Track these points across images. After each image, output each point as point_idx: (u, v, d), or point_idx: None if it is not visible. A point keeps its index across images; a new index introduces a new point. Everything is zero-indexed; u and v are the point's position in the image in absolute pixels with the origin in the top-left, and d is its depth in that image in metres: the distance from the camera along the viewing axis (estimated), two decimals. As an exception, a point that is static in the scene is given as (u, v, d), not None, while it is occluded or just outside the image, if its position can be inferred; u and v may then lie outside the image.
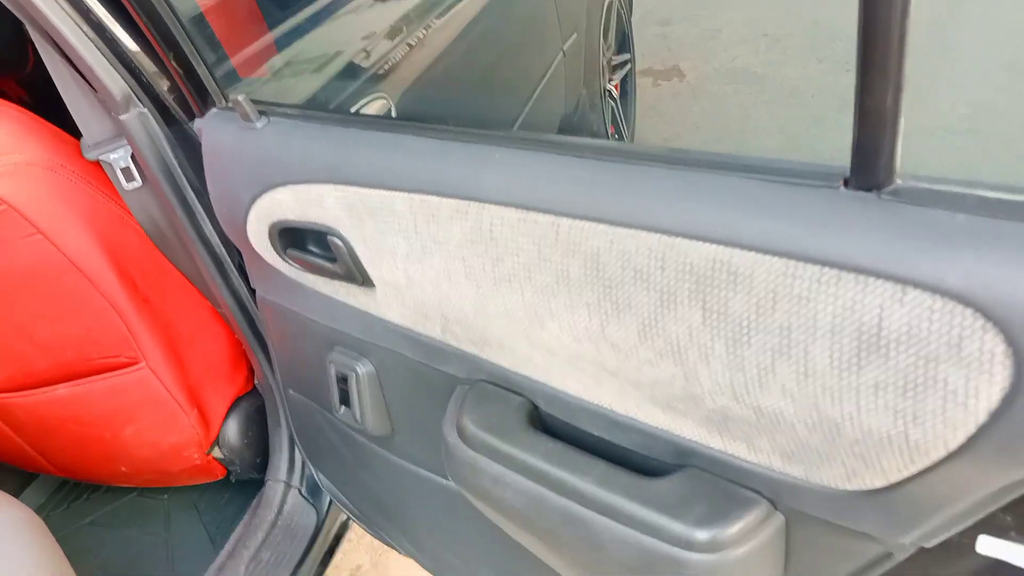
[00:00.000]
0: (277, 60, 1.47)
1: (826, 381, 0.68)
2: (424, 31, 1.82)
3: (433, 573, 1.44)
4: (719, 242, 0.69)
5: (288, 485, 1.65)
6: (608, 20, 2.88)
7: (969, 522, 0.73)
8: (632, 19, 3.25)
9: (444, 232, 0.89)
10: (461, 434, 1.01)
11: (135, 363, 1.46)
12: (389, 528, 1.46)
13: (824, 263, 0.65)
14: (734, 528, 0.83)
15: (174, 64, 1.10)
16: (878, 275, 0.62)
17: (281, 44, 1.54)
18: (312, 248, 1.11)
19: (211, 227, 1.36)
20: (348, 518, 1.70)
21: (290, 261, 1.13)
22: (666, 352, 0.78)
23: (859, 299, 0.63)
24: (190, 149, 1.30)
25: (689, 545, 0.83)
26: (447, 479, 1.22)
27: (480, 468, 0.99)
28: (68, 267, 1.32)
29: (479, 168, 0.85)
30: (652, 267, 0.74)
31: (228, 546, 1.57)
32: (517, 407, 1.00)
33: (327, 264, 1.08)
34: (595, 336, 0.82)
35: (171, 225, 1.37)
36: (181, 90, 1.24)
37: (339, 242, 1.02)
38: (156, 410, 1.53)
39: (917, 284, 0.60)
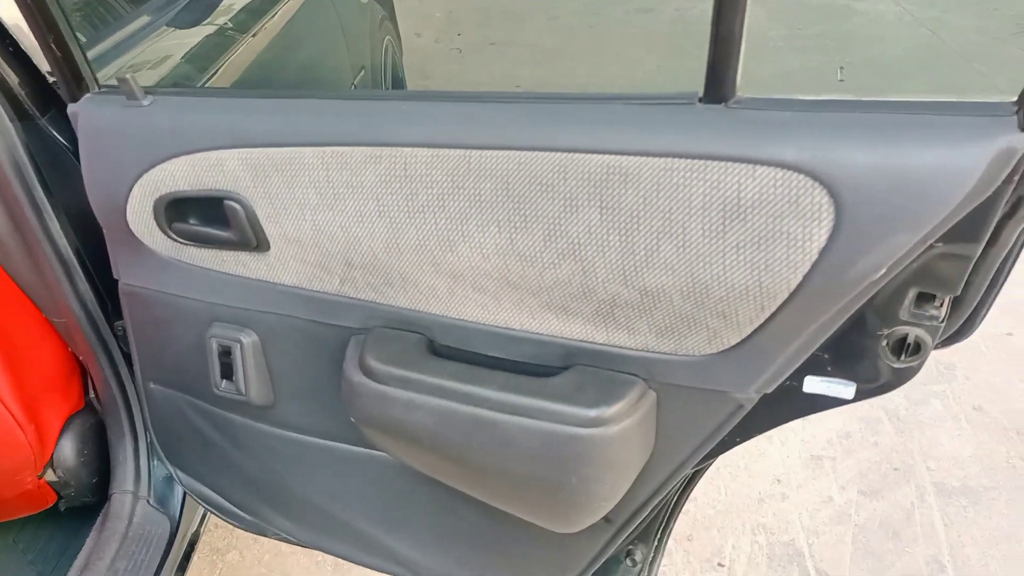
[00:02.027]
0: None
1: (700, 249, 0.89)
2: (222, 64, 1.92)
3: (310, 545, 1.49)
4: (611, 152, 0.89)
5: (136, 496, 1.62)
6: (386, 64, 3.09)
7: (797, 364, 0.96)
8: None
9: (357, 177, 1.02)
10: (366, 372, 1.12)
11: (-31, 375, 1.40)
12: (262, 510, 1.50)
13: (693, 157, 0.86)
14: (618, 405, 1.01)
15: (54, 47, 1.14)
16: (735, 160, 0.84)
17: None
18: (197, 220, 1.18)
19: (59, 228, 1.36)
20: (202, 522, 1.69)
21: (174, 236, 1.19)
22: (567, 252, 0.96)
23: (722, 179, 0.85)
24: (40, 145, 1.31)
25: (583, 422, 1.01)
26: (335, 440, 1.31)
27: (390, 398, 1.11)
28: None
29: (391, 119, 1.00)
30: (556, 179, 0.92)
31: (80, 560, 1.52)
32: (416, 342, 1.13)
33: (218, 232, 1.15)
34: (503, 250, 0.99)
35: (14, 228, 1.36)
36: (33, 83, 1.27)
37: (237, 205, 1.10)
38: (-9, 426, 1.47)
39: (764, 163, 0.83)
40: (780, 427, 2.43)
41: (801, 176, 0.82)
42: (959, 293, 0.89)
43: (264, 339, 1.25)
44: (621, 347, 1.03)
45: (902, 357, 0.93)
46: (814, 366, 0.98)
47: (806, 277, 0.86)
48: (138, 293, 1.32)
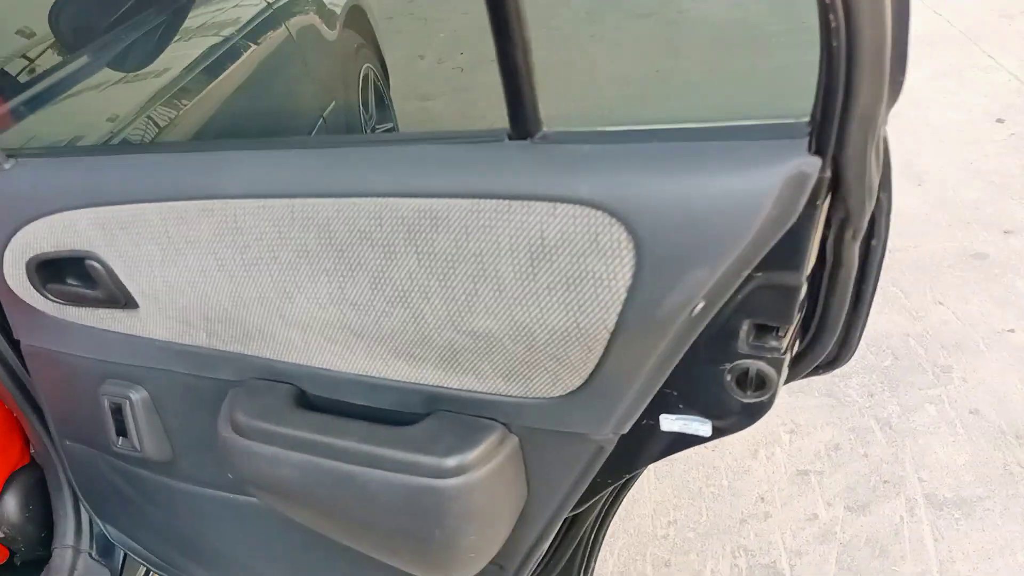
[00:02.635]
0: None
1: (514, 292, 0.85)
2: (176, 105, 1.91)
3: None
4: (422, 195, 0.86)
5: (77, 550, 1.63)
6: (366, 91, 3.09)
7: (646, 403, 0.91)
8: (392, 93, 3.48)
9: (194, 231, 1.00)
10: (235, 426, 1.10)
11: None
12: (187, 565, 1.49)
13: (498, 196, 0.82)
14: (475, 452, 0.97)
15: None
16: (536, 198, 0.80)
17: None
18: (71, 279, 1.17)
19: None
20: (147, 572, 1.69)
21: (51, 296, 1.19)
22: (396, 299, 0.92)
23: (525, 220, 0.81)
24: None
25: (440, 472, 0.97)
26: (235, 492, 1.29)
27: (256, 453, 1.08)
28: None
29: (220, 170, 0.98)
30: (372, 226, 0.89)
31: (19, 621, 1.52)
32: (285, 393, 1.10)
33: (88, 292, 1.15)
34: (336, 299, 0.96)
35: None
36: None
37: (96, 264, 1.09)
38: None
39: (562, 200, 0.79)
40: (763, 442, 2.35)
41: (598, 212, 0.78)
42: (793, 323, 0.83)
43: (154, 394, 1.24)
44: (475, 392, 0.99)
45: (748, 392, 0.87)
46: (666, 404, 0.93)
47: (621, 316, 0.82)
48: (37, 353, 1.32)
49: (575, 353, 0.87)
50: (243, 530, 1.34)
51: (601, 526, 1.26)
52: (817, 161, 0.71)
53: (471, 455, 0.97)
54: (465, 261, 0.86)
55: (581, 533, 1.22)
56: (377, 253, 0.90)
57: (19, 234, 1.13)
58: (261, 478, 1.10)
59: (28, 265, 1.16)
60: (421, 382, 1.01)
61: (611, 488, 1.05)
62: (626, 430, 0.94)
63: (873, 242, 0.84)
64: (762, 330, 0.85)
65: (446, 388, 1.00)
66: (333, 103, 2.71)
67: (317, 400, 1.11)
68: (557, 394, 0.93)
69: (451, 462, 0.97)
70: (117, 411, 1.26)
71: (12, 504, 1.63)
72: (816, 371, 0.96)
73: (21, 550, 1.70)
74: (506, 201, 0.82)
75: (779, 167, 0.71)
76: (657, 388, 0.90)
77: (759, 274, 0.79)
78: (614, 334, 0.83)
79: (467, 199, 0.83)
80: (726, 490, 2.29)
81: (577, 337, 0.85)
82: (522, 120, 0.82)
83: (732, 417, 0.91)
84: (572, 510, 1.06)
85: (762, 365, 0.85)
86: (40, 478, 1.68)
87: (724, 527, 2.17)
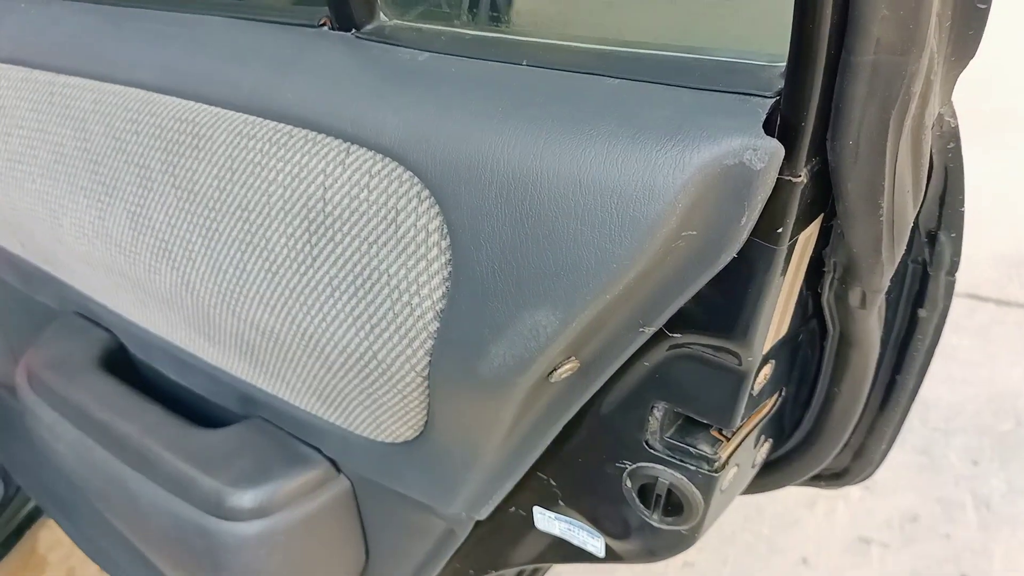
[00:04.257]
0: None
1: (289, 280, 0.52)
2: None
3: (79, 547, 1.23)
4: (185, 95, 0.53)
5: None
6: None
7: (507, 485, 0.57)
8: None
9: (-39, 103, 0.71)
10: (28, 374, 0.83)
11: None
12: (42, 496, 1.25)
13: (278, 118, 0.49)
14: (279, 488, 0.66)
15: None
16: (327, 132, 0.47)
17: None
18: None
19: None
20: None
21: None
22: (159, 251, 0.60)
23: (307, 163, 0.48)
24: None
25: (220, 510, 0.66)
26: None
27: (38, 416, 0.81)
28: None
29: None
30: (129, 133, 0.57)
31: None
32: (94, 343, 0.82)
33: None
34: (100, 232, 0.65)
35: None
36: None
37: None
38: None
39: (358, 140, 0.45)
40: (824, 492, 1.89)
41: (404, 172, 0.43)
42: (735, 425, 0.46)
43: (-5, 305, 0.99)
44: (294, 405, 0.67)
45: (654, 512, 0.52)
46: (542, 495, 0.58)
47: (435, 356, 0.47)
48: None
49: (386, 394, 0.53)
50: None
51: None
52: (775, 149, 0.34)
53: (277, 490, 0.66)
54: (229, 215, 0.53)
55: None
56: (132, 176, 0.58)
57: None
58: (45, 447, 0.83)
59: None
60: (232, 372, 0.70)
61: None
62: (482, 515, 0.60)
63: (922, 311, 0.46)
64: (690, 425, 0.49)
65: (262, 391, 0.69)
66: None
67: (136, 362, 0.81)
68: (384, 439, 0.60)
69: (241, 499, 0.66)
70: (-47, 316, 1.02)
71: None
72: (815, 483, 0.60)
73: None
74: (287, 128, 0.48)
75: (701, 148, 0.34)
76: (523, 470, 0.55)
77: (680, 336, 0.43)
78: (432, 380, 0.49)
79: (240, 113, 0.50)
80: (764, 541, 1.89)
81: (380, 372, 0.51)
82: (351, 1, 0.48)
83: (636, 540, 0.56)
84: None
85: (678, 478, 0.49)
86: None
87: (749, 586, 1.79)
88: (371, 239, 0.45)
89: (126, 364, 0.82)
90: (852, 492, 2.04)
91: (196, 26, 0.56)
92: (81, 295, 0.82)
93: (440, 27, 0.47)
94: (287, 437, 0.69)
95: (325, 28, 0.51)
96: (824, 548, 1.91)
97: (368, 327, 0.48)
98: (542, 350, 0.42)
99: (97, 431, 0.75)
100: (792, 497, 2.00)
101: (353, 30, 0.49)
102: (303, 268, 0.50)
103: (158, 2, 0.60)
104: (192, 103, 0.53)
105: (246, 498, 0.65)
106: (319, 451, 0.68)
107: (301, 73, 0.49)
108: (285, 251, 0.50)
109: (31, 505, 1.47)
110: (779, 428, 0.54)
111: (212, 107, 0.52)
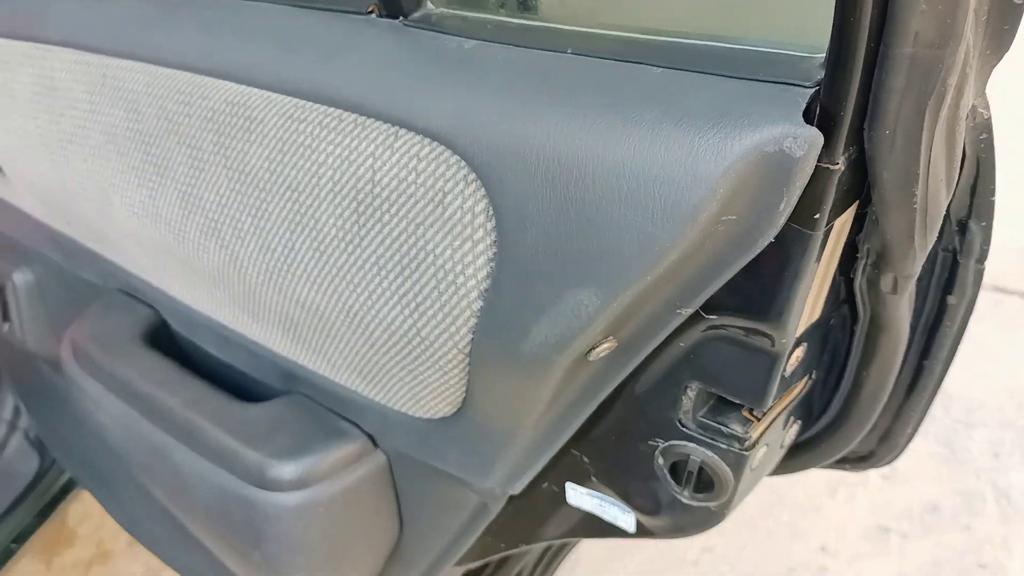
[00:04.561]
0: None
1: (336, 259, 0.54)
2: None
3: (115, 519, 1.26)
4: (237, 79, 0.55)
5: (13, 426, 1.47)
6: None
7: (542, 460, 0.59)
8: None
9: (17, 82, 0.73)
10: (74, 348, 0.85)
11: None
12: (79, 468, 1.28)
13: (328, 102, 0.50)
14: (320, 462, 0.68)
15: None
16: (376, 116, 0.48)
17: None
18: None
19: None
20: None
21: None
22: (208, 230, 0.63)
23: (357, 146, 0.49)
24: None
25: (263, 481, 0.68)
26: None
27: (84, 388, 0.83)
28: None
29: (43, 5, 0.70)
30: (181, 115, 0.59)
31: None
32: (138, 319, 0.84)
33: None
34: (150, 212, 0.67)
35: None
36: None
37: None
38: None
39: (407, 124, 0.47)
40: (846, 479, 1.90)
41: (452, 156, 0.45)
42: (767, 405, 0.48)
43: (40, 279, 1.02)
44: (333, 381, 0.69)
45: (685, 489, 0.53)
46: (575, 471, 0.60)
47: (477, 335, 0.49)
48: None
49: (428, 371, 0.55)
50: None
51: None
52: (814, 137, 0.35)
53: (314, 466, 0.68)
54: (279, 196, 0.55)
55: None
56: (184, 157, 0.61)
57: None
58: (91, 420, 0.86)
59: None
60: (274, 349, 0.72)
61: (509, 552, 0.73)
62: (516, 490, 0.62)
63: (951, 298, 0.47)
64: (722, 405, 0.51)
65: (302, 367, 0.71)
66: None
67: (179, 338, 0.84)
68: (423, 415, 0.62)
69: (283, 471, 0.68)
70: (1, 291, 1.05)
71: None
72: (840, 465, 0.62)
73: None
74: (337, 112, 0.50)
75: (742, 136, 0.36)
76: (558, 446, 0.57)
77: (715, 317, 0.44)
78: (473, 357, 0.51)
79: (290, 97, 0.52)
80: (784, 527, 1.90)
81: (422, 349, 0.53)
82: None
83: (666, 516, 0.57)
84: (460, 563, 0.75)
85: (709, 456, 0.51)
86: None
87: (768, 571, 1.80)
88: (418, 220, 0.47)
89: (168, 340, 0.84)
90: (873, 481, 2.05)
91: (247, 13, 0.58)
92: (126, 273, 0.84)
93: (486, 16, 0.49)
94: (326, 412, 0.71)
95: (373, 15, 0.52)
96: (843, 536, 1.92)
97: (413, 305, 0.50)
98: (583, 330, 0.43)
99: (142, 404, 0.77)
100: (813, 485, 2.01)
101: (401, 18, 0.51)
102: (350, 247, 0.52)
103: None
104: (243, 87, 0.55)
105: (287, 470, 0.68)
106: (357, 426, 0.70)
107: (350, 59, 0.51)
108: (333, 231, 0.52)
109: (64, 478, 1.51)
110: (808, 410, 0.56)
111: (263, 91, 0.54)
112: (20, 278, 1.02)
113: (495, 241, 0.44)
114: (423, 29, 0.50)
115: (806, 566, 1.87)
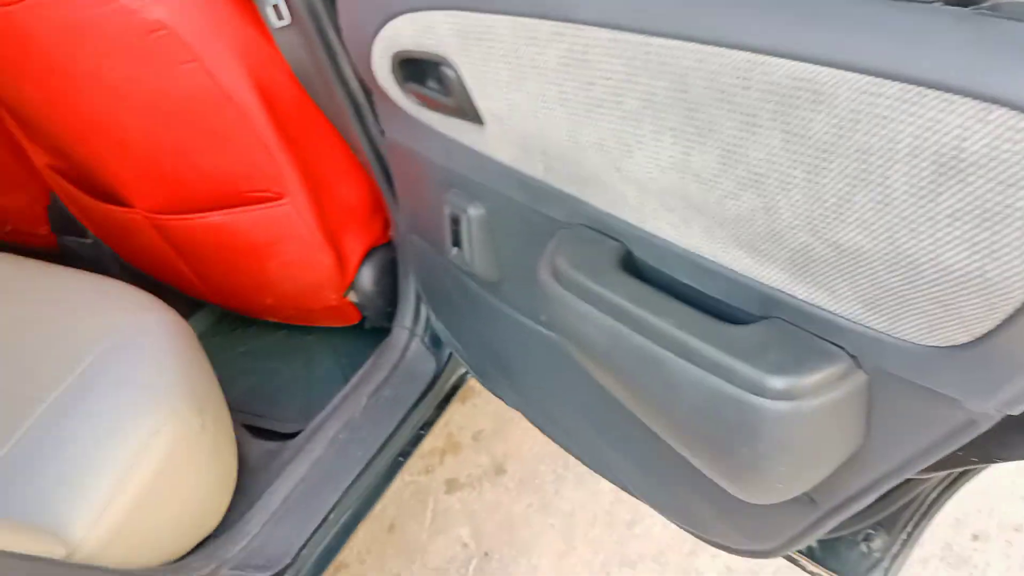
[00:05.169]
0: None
1: (903, 210, 0.63)
2: None
3: (537, 426, 1.48)
4: (802, 59, 0.65)
5: (412, 333, 1.72)
6: None
7: None
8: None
9: (542, 55, 0.88)
10: (554, 272, 1.02)
11: (279, 198, 1.55)
12: (498, 379, 1.51)
13: (908, 81, 0.59)
14: (810, 378, 0.80)
15: None
16: (962, 93, 0.56)
17: None
18: (429, 82, 1.12)
19: (351, 70, 1.41)
20: (467, 371, 1.76)
21: (409, 95, 1.16)
22: (747, 181, 0.74)
23: (940, 119, 0.58)
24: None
25: (761, 390, 0.81)
26: (547, 329, 1.24)
27: (568, 305, 1.00)
28: (222, 98, 1.40)
29: None
30: (736, 87, 0.70)
31: (353, 380, 1.67)
32: (609, 249, 0.99)
33: (442, 98, 1.09)
34: (679, 165, 0.80)
35: (315, 65, 1.42)
36: None
37: (451, 72, 1.03)
38: (297, 246, 1.63)
39: (1002, 102, 0.55)
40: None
41: None
42: None
43: (490, 213, 1.20)
44: (824, 309, 0.80)
45: None
46: None
47: None
48: (396, 147, 1.33)
49: (970, 305, 0.64)
50: (550, 366, 1.30)
51: (950, 487, 1.04)
52: None
53: (804, 381, 0.80)
54: (844, 156, 0.65)
55: (918, 492, 1.02)
56: (735, 122, 0.72)
57: (388, 26, 1.09)
58: (568, 330, 1.03)
59: (393, 59, 1.12)
60: (759, 280, 0.84)
61: (974, 466, 0.82)
62: (1017, 410, 0.71)
63: None
64: None
65: (789, 295, 0.82)
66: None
67: (642, 266, 0.98)
68: (930, 343, 0.72)
69: (778, 383, 0.80)
70: (455, 222, 1.25)
71: (368, 276, 1.75)
72: None
73: (370, 317, 1.84)
74: (918, 89, 0.59)
75: None
76: None
77: None
78: None
79: (865, 76, 0.61)
80: None
81: (979, 286, 0.62)
82: None
83: None
84: (916, 474, 0.85)
85: None
86: (394, 259, 1.78)
87: None
88: (1009, 181, 0.55)
89: (634, 267, 0.99)
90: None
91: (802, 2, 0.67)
92: (598, 211, 0.99)
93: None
94: (810, 336, 0.83)
95: (938, 4, 0.60)
96: None
97: (987, 252, 0.59)
98: None
99: (633, 322, 0.92)
100: None
101: (971, 5, 0.58)
102: (922, 202, 0.61)
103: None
104: (808, 65, 0.64)
105: (786, 384, 0.80)
106: (843, 349, 0.80)
107: (926, 37, 0.59)
108: (904, 189, 0.62)
109: (454, 379, 1.74)
110: None
111: (832, 69, 0.63)
112: (474, 212, 1.20)
113: None
114: (996, 17, 0.57)
115: None
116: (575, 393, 1.28)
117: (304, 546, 1.43)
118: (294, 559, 1.42)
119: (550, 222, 1.08)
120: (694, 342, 0.86)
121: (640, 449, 1.21)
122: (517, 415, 2.16)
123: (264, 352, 2.05)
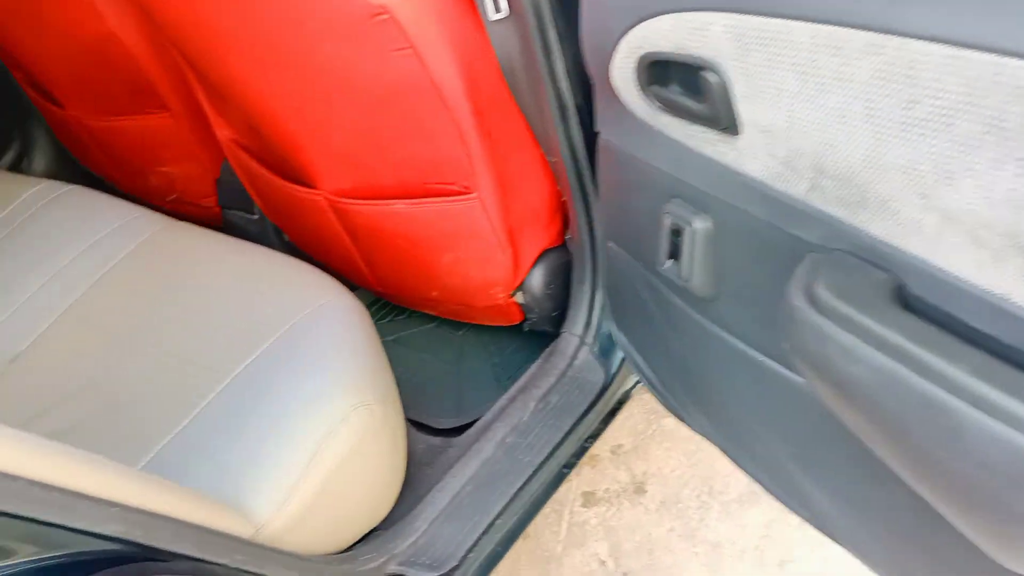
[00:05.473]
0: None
1: None
2: None
3: (725, 452, 1.41)
4: None
5: (582, 341, 1.68)
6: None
7: None
8: None
9: (849, 68, 0.81)
10: (812, 299, 0.95)
11: (468, 192, 1.52)
12: (684, 398, 1.45)
13: None
14: None
15: None
16: None
17: None
18: (677, 87, 1.07)
19: (563, 68, 1.37)
20: (633, 385, 1.71)
21: (650, 98, 1.11)
22: None
23: None
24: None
25: None
26: (772, 359, 1.17)
27: (828, 335, 0.93)
28: (429, 88, 1.38)
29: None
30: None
31: (520, 382, 1.63)
32: (881, 282, 0.92)
33: (692, 104, 1.04)
34: (1020, 203, 0.73)
35: (525, 61, 1.39)
36: None
37: (713, 77, 0.97)
38: (476, 242, 1.60)
39: None
40: None
41: None
42: None
43: (717, 229, 1.14)
44: None
45: None
46: None
47: None
48: (611, 149, 1.28)
49: None
50: (762, 395, 1.23)
51: None
52: None
53: None
54: None
55: None
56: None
57: (641, 26, 1.04)
58: (821, 363, 0.96)
59: (640, 61, 1.08)
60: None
61: None
62: None
63: None
64: None
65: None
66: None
67: (917, 303, 0.91)
68: None
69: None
70: (675, 233, 1.19)
71: (539, 278, 1.72)
72: None
73: (534, 320, 1.80)
74: None
75: None
76: None
77: None
78: None
79: None
80: None
81: None
82: None
83: None
84: None
85: None
86: (566, 263, 1.74)
87: None
88: None
89: (912, 304, 0.91)
90: None
91: None
92: (870, 238, 0.92)
93: None
94: None
95: None
96: None
97: None
98: None
99: (911, 363, 0.85)
100: None
101: None
102: None
103: None
104: None
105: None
106: None
107: None
108: None
109: (620, 392, 1.69)
110: None
111: None
112: (700, 224, 1.14)
113: None
114: None
115: None
116: (785, 422, 1.22)
117: (472, 548, 1.40)
118: (460, 562, 1.39)
119: (795, 243, 1.02)
120: (995, 394, 0.79)
121: (858, 492, 1.14)
122: (657, 433, 2.10)
123: (414, 343, 2.04)
